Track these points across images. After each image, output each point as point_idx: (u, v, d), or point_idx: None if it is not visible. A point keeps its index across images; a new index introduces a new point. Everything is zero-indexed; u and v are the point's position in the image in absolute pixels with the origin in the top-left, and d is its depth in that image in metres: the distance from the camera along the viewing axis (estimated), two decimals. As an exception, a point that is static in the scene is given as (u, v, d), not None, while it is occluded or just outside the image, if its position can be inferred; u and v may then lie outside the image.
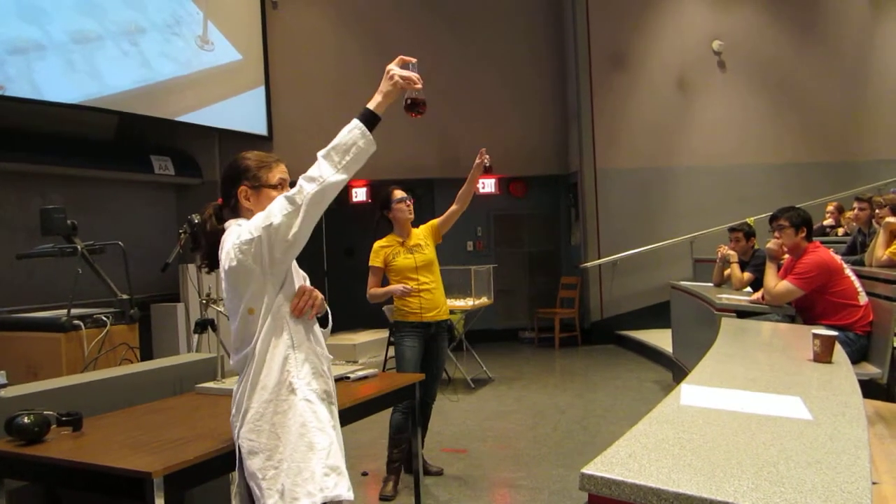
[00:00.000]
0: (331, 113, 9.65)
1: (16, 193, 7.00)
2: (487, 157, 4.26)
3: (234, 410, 2.20)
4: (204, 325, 4.10)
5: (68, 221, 3.65)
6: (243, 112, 9.11)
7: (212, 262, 2.35)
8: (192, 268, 4.46)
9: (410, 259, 4.32)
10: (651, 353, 8.21)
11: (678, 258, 9.28)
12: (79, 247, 3.66)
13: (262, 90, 9.41)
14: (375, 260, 4.32)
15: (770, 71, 9.85)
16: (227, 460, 2.36)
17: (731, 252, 5.91)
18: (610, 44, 9.71)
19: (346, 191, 10.60)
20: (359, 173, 8.33)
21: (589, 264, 9.49)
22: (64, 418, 2.46)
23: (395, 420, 4.23)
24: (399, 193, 4.38)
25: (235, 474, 2.41)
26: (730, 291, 5.60)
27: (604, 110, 9.68)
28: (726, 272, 6.04)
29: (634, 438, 1.72)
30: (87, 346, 3.44)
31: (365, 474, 4.58)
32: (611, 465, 1.52)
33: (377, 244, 4.37)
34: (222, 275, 2.17)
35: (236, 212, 2.30)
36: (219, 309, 3.25)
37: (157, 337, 7.21)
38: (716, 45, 9.72)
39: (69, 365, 3.37)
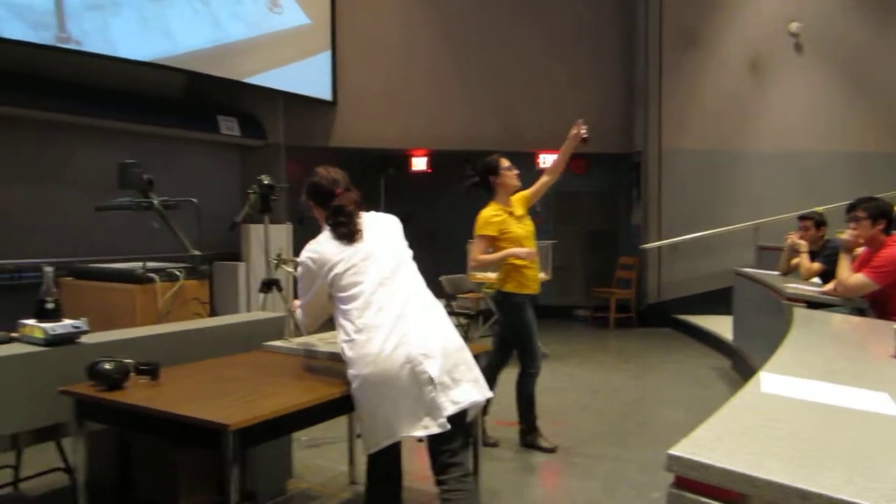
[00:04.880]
0: (393, 80, 9.64)
1: (88, 148, 7.16)
2: (585, 127, 4.19)
3: (465, 367, 2.62)
4: (269, 285, 4.17)
5: (144, 176, 3.73)
6: (309, 76, 9.14)
7: None
8: (258, 227, 4.52)
9: (522, 228, 4.30)
10: (708, 339, 8.07)
11: (741, 244, 9.06)
12: (155, 202, 3.73)
13: (328, 55, 9.40)
14: (489, 229, 4.20)
15: (849, 56, 9.45)
16: (297, 417, 2.41)
17: (801, 241, 5.73)
18: (682, 21, 9.43)
19: (405, 159, 10.62)
20: (420, 142, 8.43)
21: (649, 245, 9.33)
22: (142, 367, 2.53)
23: (528, 388, 4.37)
24: (507, 161, 4.34)
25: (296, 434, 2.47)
26: (797, 281, 5.45)
27: (673, 90, 9.44)
28: (794, 261, 5.87)
29: (719, 423, 1.68)
30: (160, 298, 3.52)
31: (421, 441, 4.61)
32: (698, 447, 1.49)
33: (487, 213, 4.26)
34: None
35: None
36: (288, 269, 3.28)
37: (217, 294, 7.36)
38: (793, 27, 9.36)
39: (142, 316, 3.46)
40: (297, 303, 2.80)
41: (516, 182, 4.34)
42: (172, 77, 7.97)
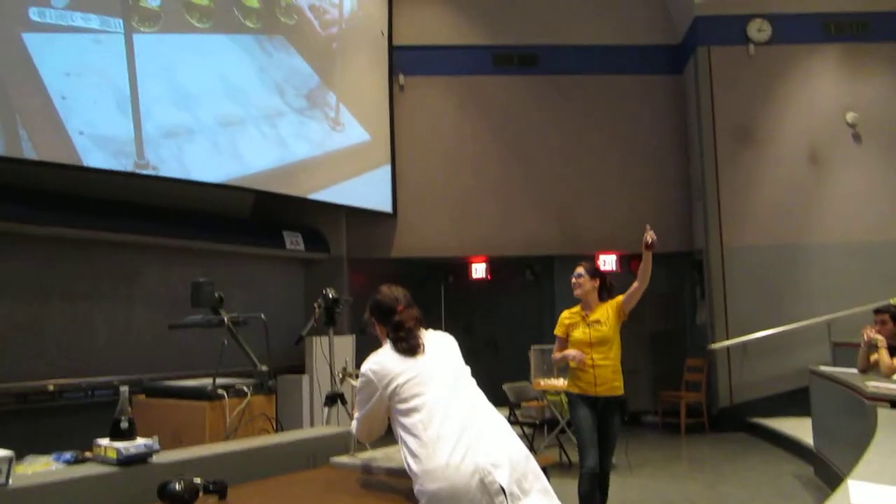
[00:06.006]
0: (450, 190, 9.89)
1: (159, 266, 7.47)
2: (651, 233, 4.34)
3: (532, 476, 2.50)
4: (334, 399, 4.18)
5: (216, 294, 3.86)
6: (370, 190, 9.46)
7: None
8: (323, 340, 4.59)
9: (586, 333, 4.54)
10: (787, 444, 7.67)
11: (814, 341, 8.73)
12: (225, 319, 3.84)
13: (388, 168, 9.75)
14: (558, 330, 4.70)
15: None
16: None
17: (879, 336, 5.50)
18: (736, 117, 9.51)
19: (465, 266, 10.72)
20: (478, 249, 8.65)
21: (716, 346, 9.07)
22: (211, 487, 2.53)
23: (581, 487, 4.36)
24: (578, 268, 4.70)
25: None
26: (878, 378, 5.20)
27: (730, 186, 9.41)
28: (873, 357, 5.61)
29: (808, 541, 1.59)
30: (228, 415, 3.56)
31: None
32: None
33: (562, 315, 4.73)
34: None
35: None
36: (354, 382, 3.29)
37: (282, 406, 7.38)
38: (850, 116, 9.33)
39: (211, 432, 3.49)
40: (355, 414, 2.81)
41: (575, 291, 4.66)
42: (241, 197, 8.34)
